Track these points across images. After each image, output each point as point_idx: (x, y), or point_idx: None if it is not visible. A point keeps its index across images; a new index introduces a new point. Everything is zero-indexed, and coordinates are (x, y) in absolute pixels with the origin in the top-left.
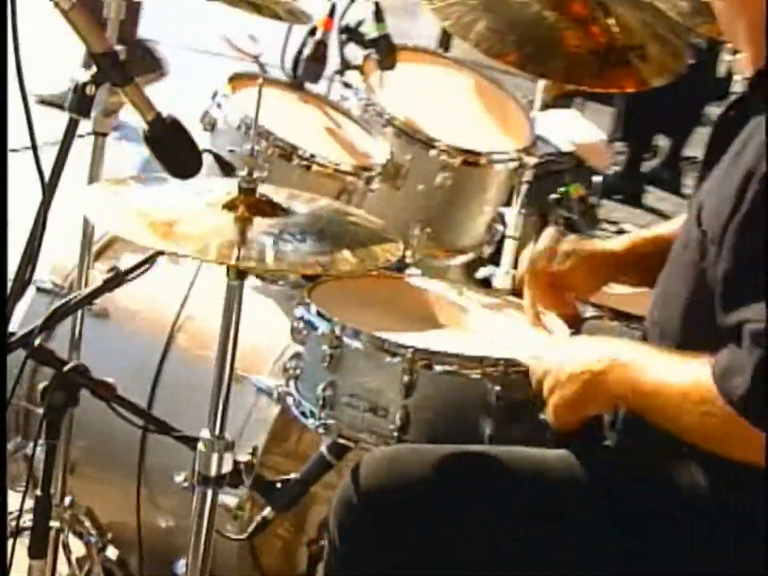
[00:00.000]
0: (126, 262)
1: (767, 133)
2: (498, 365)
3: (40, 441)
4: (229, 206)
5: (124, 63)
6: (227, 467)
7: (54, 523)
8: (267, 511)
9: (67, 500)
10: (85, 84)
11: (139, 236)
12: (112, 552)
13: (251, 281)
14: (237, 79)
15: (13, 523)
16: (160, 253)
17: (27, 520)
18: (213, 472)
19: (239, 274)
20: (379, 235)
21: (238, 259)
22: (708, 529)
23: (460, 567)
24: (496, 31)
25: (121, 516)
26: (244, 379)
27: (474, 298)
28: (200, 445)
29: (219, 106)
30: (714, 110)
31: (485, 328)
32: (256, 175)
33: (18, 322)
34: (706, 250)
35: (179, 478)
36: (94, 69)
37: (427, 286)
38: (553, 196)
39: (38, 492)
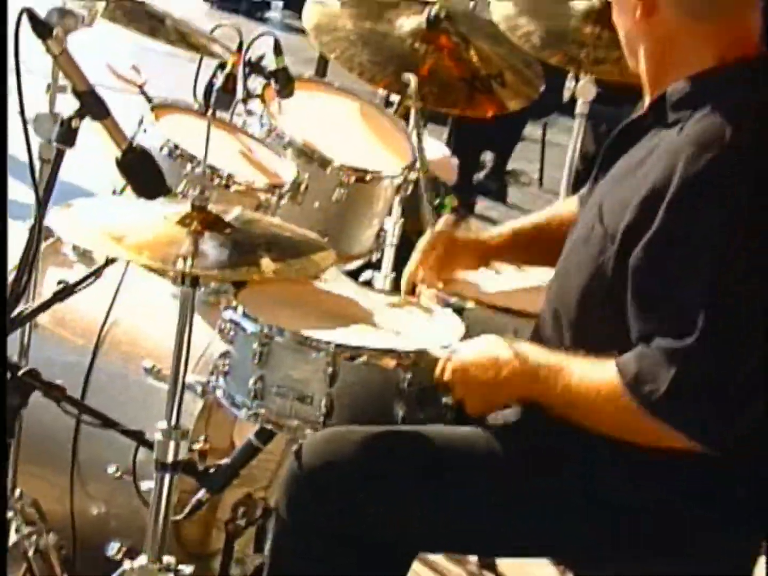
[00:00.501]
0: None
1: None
2: (408, 356)
3: None
4: (183, 221)
5: (102, 100)
6: (183, 454)
7: (9, 513)
8: (201, 494)
9: (17, 492)
10: (70, 118)
11: (106, 248)
12: (52, 537)
13: (168, 288)
14: (157, 109)
15: None
16: (109, 262)
17: None
18: (170, 458)
19: (193, 282)
20: (315, 245)
21: (193, 267)
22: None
23: (398, 531)
24: (375, 62)
25: (59, 505)
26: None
27: (377, 298)
28: (158, 435)
29: (145, 131)
30: (534, 130)
31: (391, 323)
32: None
33: None
34: (605, 246)
35: (111, 469)
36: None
37: (338, 288)
38: (430, 206)
39: None
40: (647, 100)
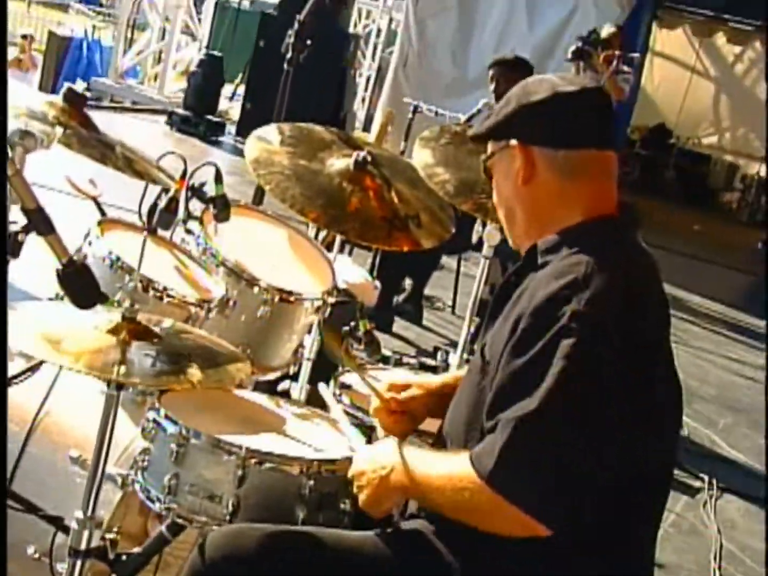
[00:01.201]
0: None
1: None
2: (312, 464)
3: None
4: (113, 331)
5: (48, 217)
6: (95, 542)
7: None
8: None
9: None
10: (17, 233)
11: (42, 352)
12: None
13: (99, 386)
14: (104, 224)
15: None
16: (42, 362)
17: None
18: (83, 546)
19: (119, 386)
20: (232, 356)
21: (119, 374)
22: None
23: None
24: (306, 196)
25: None
26: None
27: (288, 408)
28: (74, 524)
29: (90, 243)
30: (449, 261)
31: (298, 432)
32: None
33: None
34: (485, 373)
35: (31, 550)
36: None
37: (253, 397)
38: (346, 328)
39: None
40: (521, 251)
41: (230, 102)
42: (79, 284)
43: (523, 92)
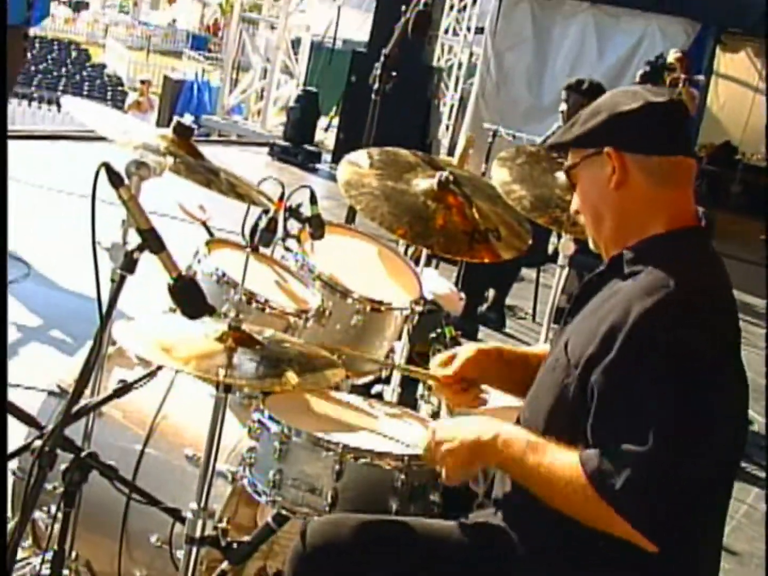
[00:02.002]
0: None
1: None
2: (403, 459)
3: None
4: (220, 338)
5: (159, 237)
6: (208, 531)
7: (65, 571)
8: (225, 565)
9: (74, 554)
10: (132, 251)
11: (156, 357)
12: None
13: (209, 390)
14: (211, 243)
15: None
16: (160, 367)
17: (45, 568)
18: (198, 534)
19: (226, 389)
20: (328, 362)
21: (226, 377)
22: None
23: None
24: (394, 214)
25: (108, 567)
26: None
27: (381, 409)
28: (189, 514)
29: (199, 261)
30: (529, 273)
31: (391, 430)
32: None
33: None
34: (569, 372)
35: (153, 539)
36: (139, 239)
37: (348, 398)
38: (432, 334)
39: (56, 547)
40: (606, 258)
41: (325, 133)
42: (188, 296)
43: (612, 102)
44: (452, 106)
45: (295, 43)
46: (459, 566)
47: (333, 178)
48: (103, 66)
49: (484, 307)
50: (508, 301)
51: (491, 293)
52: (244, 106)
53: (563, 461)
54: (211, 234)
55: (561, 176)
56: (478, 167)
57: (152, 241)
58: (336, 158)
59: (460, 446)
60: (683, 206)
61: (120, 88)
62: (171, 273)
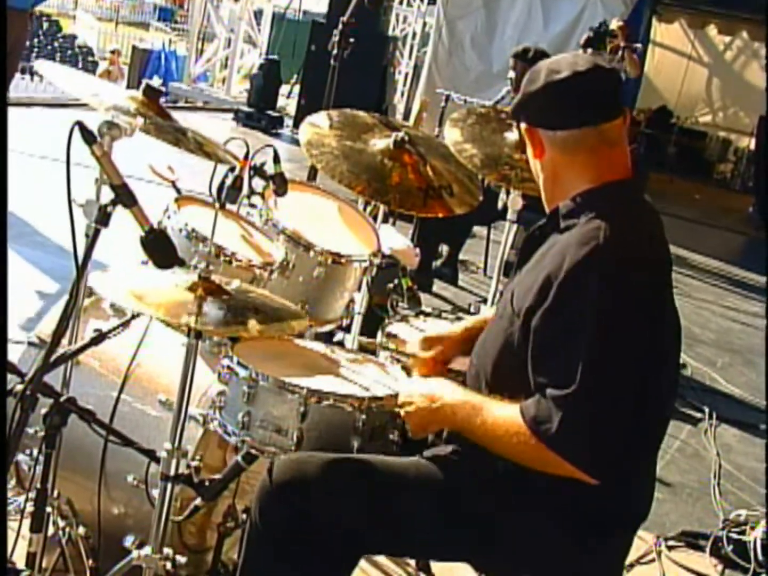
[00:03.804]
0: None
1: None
2: (364, 400)
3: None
4: (191, 288)
5: (131, 192)
6: (182, 469)
7: (48, 509)
8: (198, 501)
9: (56, 493)
10: (106, 205)
11: (130, 304)
12: (81, 530)
13: (180, 340)
14: (180, 200)
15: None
16: (135, 316)
17: (29, 506)
18: (172, 472)
19: (197, 335)
20: (293, 312)
21: (196, 323)
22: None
23: (346, 536)
24: (352, 172)
25: (88, 505)
26: None
27: (342, 355)
28: (163, 453)
29: (169, 217)
30: (480, 230)
31: (352, 374)
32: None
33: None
34: (513, 321)
35: (130, 478)
36: (112, 194)
37: (311, 345)
38: (390, 285)
39: (38, 486)
40: (547, 211)
41: (287, 99)
42: (159, 248)
43: (528, 79)
44: (407, 74)
45: (258, 14)
46: (417, 499)
47: (295, 142)
48: (74, 37)
49: (439, 262)
50: (461, 256)
51: (445, 249)
52: (209, 74)
53: (505, 416)
54: (180, 193)
55: (509, 136)
56: (432, 130)
57: (125, 196)
58: (297, 123)
59: (416, 413)
60: (605, 165)
61: (90, 57)
62: (143, 226)
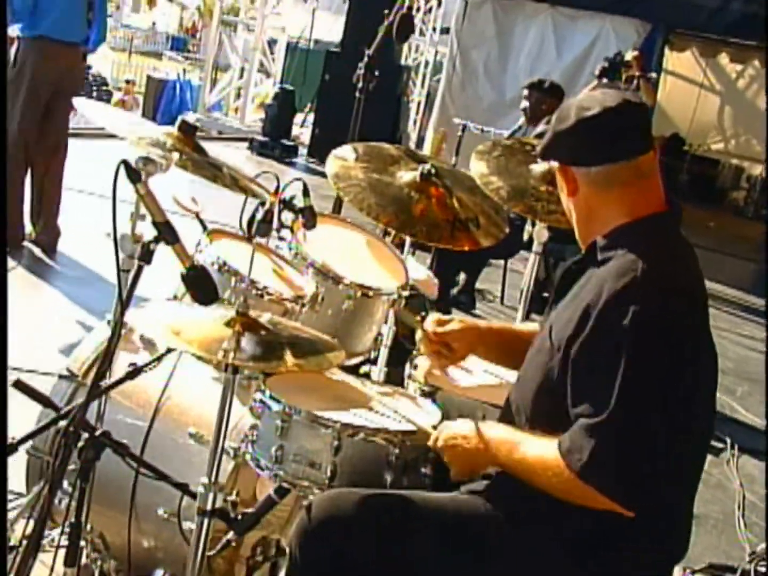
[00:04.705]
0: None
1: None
2: (397, 435)
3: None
4: (228, 323)
5: (174, 229)
6: (218, 503)
7: (81, 543)
8: (230, 535)
9: (89, 527)
10: (149, 242)
11: (168, 339)
12: (113, 563)
13: (209, 372)
14: (211, 234)
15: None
16: (170, 350)
17: (63, 539)
18: (209, 507)
19: (234, 370)
20: (329, 345)
21: (235, 359)
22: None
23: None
24: (380, 205)
25: (120, 538)
26: (209, 442)
27: (373, 387)
28: (200, 488)
29: (201, 251)
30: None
31: (383, 407)
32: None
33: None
34: (553, 355)
35: (161, 512)
36: (155, 232)
37: (342, 378)
38: (418, 318)
39: (73, 520)
40: (582, 248)
41: (301, 128)
42: (200, 284)
43: (558, 118)
44: (419, 103)
45: (272, 44)
46: (455, 535)
47: (309, 170)
48: (89, 67)
49: (456, 290)
50: (478, 285)
51: (462, 277)
52: (223, 103)
53: (543, 450)
54: (204, 225)
55: (535, 167)
56: (449, 160)
57: (167, 233)
58: (312, 152)
59: (459, 455)
60: (640, 198)
61: (105, 87)
62: (184, 263)
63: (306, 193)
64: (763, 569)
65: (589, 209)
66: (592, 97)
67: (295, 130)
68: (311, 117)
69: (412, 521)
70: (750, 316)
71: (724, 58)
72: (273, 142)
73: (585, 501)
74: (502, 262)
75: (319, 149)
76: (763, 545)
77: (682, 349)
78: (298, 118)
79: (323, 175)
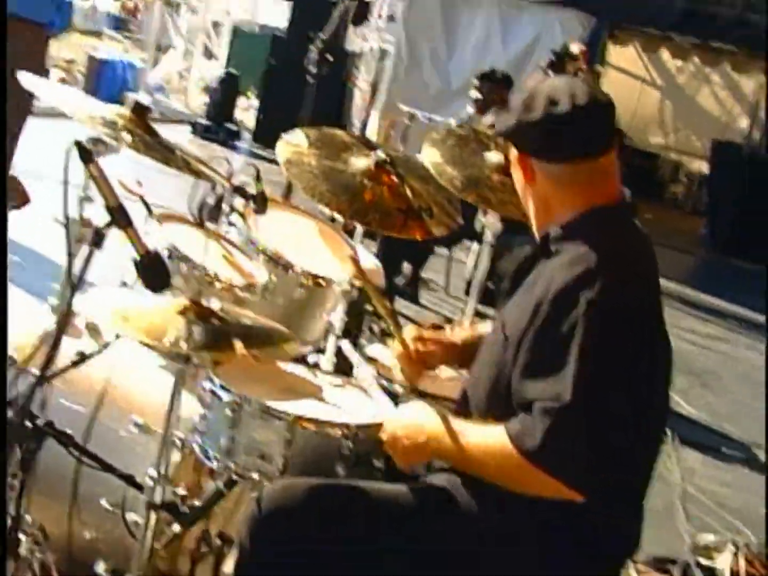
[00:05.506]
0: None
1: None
2: (349, 427)
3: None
4: (181, 311)
5: (127, 213)
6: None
7: (21, 536)
8: (176, 528)
9: (29, 519)
10: (101, 228)
11: (116, 326)
12: (52, 556)
13: (153, 359)
14: (160, 217)
15: None
16: (119, 337)
17: None
18: (158, 500)
19: (186, 359)
20: (285, 335)
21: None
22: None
23: (333, 560)
24: (333, 192)
25: (60, 529)
26: (156, 432)
27: (324, 378)
28: (148, 480)
29: (148, 233)
30: (441, 248)
31: (335, 398)
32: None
33: None
34: (506, 350)
35: (104, 503)
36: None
37: (292, 368)
38: (367, 306)
39: (13, 512)
40: (536, 238)
41: (245, 112)
42: (154, 271)
43: (524, 105)
44: (364, 90)
45: (216, 27)
46: (408, 525)
47: (254, 155)
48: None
49: (400, 279)
50: (422, 274)
51: (406, 267)
52: (166, 85)
53: (489, 436)
54: (149, 208)
55: (489, 157)
56: (397, 148)
57: (121, 217)
58: (256, 137)
59: (401, 447)
60: (596, 193)
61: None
62: (138, 248)
63: (258, 178)
64: (704, 561)
65: (545, 200)
66: (560, 87)
67: (239, 115)
68: (255, 101)
69: (363, 510)
70: (688, 309)
71: (665, 53)
72: (217, 126)
73: (533, 487)
74: (444, 251)
75: (264, 134)
76: (704, 536)
77: (638, 334)
78: (242, 102)
79: (268, 160)
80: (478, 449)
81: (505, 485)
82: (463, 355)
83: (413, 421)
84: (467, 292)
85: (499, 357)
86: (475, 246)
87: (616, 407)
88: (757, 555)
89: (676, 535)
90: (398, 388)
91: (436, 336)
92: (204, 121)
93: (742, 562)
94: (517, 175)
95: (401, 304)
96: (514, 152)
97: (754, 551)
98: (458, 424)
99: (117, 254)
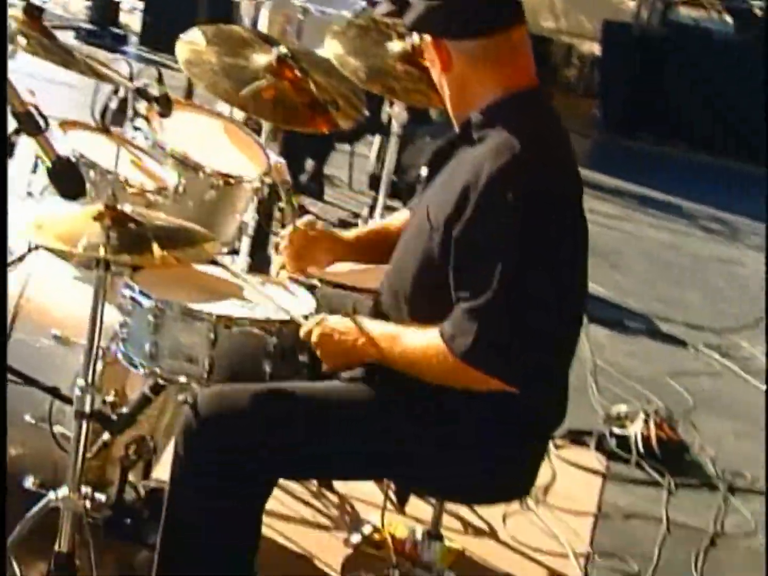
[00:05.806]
0: None
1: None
2: (273, 324)
3: None
4: (97, 217)
5: (36, 119)
6: (97, 406)
7: None
8: (106, 436)
9: None
10: (9, 134)
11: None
12: None
13: (73, 272)
14: (63, 124)
15: None
16: (35, 248)
17: None
18: (87, 409)
19: (106, 266)
20: (205, 236)
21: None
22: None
23: (266, 462)
24: (235, 90)
25: None
26: (75, 344)
27: (243, 277)
28: (77, 390)
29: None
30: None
31: (257, 297)
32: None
33: None
34: (432, 236)
35: (28, 417)
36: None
37: (210, 270)
38: (281, 204)
39: None
40: (456, 127)
41: (130, 15)
42: (66, 178)
43: None
44: None
45: None
46: (341, 422)
47: (142, 60)
48: None
49: (304, 177)
50: (325, 170)
51: (309, 163)
52: None
53: (423, 340)
54: (45, 118)
55: (392, 46)
56: (291, 43)
57: (30, 124)
58: (143, 41)
59: (332, 350)
60: (516, 73)
61: None
62: (49, 155)
63: (161, 80)
64: (617, 430)
65: (463, 84)
66: None
67: (124, 18)
68: (140, 3)
69: (299, 412)
70: (588, 189)
71: None
72: (101, 30)
73: (470, 384)
74: (346, 147)
75: (151, 37)
76: (616, 407)
77: (564, 221)
78: (126, 3)
79: (158, 63)
80: (413, 352)
81: (442, 384)
82: (359, 249)
83: (346, 323)
84: (371, 186)
85: (426, 244)
86: (377, 140)
87: (541, 293)
88: (666, 419)
89: (589, 407)
90: (316, 282)
91: (329, 234)
92: (87, 26)
93: (652, 426)
94: (434, 65)
95: (306, 202)
96: (428, 41)
97: (662, 416)
98: (392, 327)
99: (20, 164)
